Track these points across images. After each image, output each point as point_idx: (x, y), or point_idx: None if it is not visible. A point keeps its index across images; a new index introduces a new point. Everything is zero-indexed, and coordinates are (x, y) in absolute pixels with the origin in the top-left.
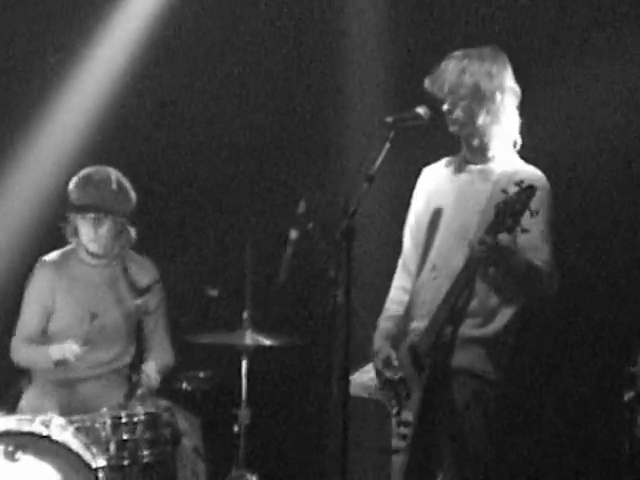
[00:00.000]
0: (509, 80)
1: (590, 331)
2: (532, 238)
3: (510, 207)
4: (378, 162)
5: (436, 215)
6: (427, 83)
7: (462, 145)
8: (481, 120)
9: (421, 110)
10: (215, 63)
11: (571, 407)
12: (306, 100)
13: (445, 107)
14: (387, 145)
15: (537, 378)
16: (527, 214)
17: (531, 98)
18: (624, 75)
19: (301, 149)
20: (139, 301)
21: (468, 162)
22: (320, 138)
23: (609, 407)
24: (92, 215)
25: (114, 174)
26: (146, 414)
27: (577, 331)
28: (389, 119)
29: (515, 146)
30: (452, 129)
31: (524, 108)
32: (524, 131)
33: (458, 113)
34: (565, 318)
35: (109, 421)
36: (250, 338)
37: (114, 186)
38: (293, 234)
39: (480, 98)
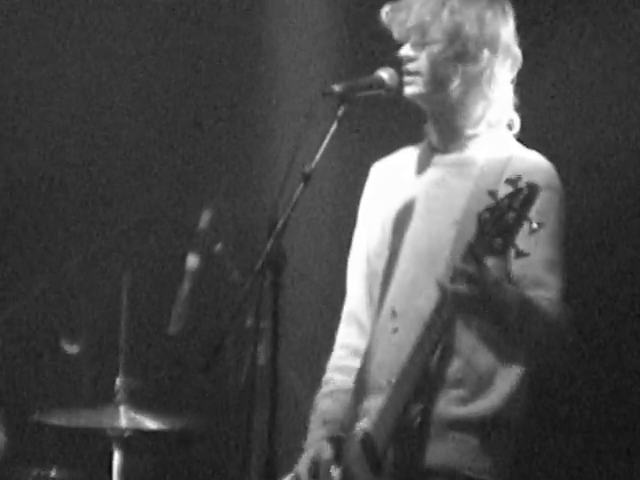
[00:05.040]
0: (507, 35)
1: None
2: (533, 265)
3: (500, 218)
4: (319, 154)
5: (394, 234)
6: (385, 13)
7: (427, 124)
8: (456, 82)
9: (385, 74)
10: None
11: None
12: (207, 65)
13: (403, 52)
14: (333, 127)
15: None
16: (525, 228)
17: (535, 70)
18: None
19: (203, 135)
20: None
21: (436, 150)
22: (231, 118)
23: None
24: None
25: None
26: None
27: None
28: (337, 88)
29: (512, 128)
30: (408, 91)
31: (523, 84)
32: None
33: (421, 63)
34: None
35: None
36: (125, 418)
37: None
38: (191, 261)
39: (459, 49)
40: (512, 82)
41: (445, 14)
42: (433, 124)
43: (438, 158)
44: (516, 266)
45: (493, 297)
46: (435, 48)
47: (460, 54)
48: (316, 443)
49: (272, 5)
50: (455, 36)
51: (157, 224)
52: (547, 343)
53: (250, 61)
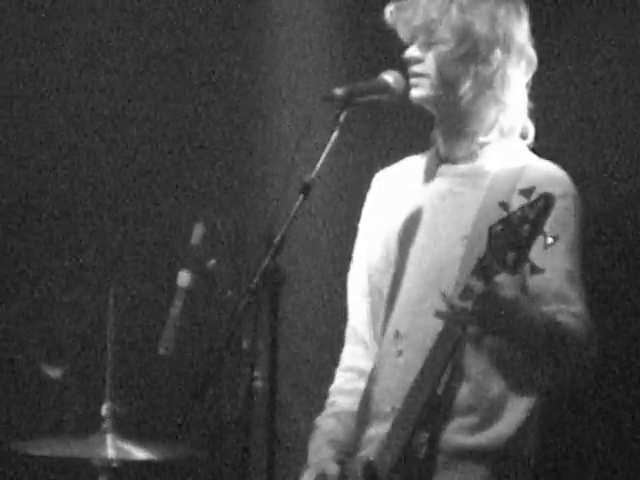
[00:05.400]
0: (521, 35)
1: None
2: (553, 279)
3: (512, 231)
4: (319, 163)
5: (397, 250)
6: (389, 12)
7: (435, 131)
8: (466, 85)
9: (389, 77)
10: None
11: None
12: (205, 72)
13: (408, 53)
14: (334, 135)
15: None
16: (540, 241)
17: (552, 74)
18: None
19: (195, 144)
20: None
21: (444, 159)
22: (225, 125)
23: None
24: None
25: None
26: None
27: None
28: (338, 92)
29: (525, 137)
30: (415, 94)
31: (539, 88)
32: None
33: (428, 65)
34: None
35: None
36: (113, 448)
37: None
38: (183, 278)
39: (469, 49)
40: (527, 86)
41: (454, 12)
42: (441, 130)
43: (446, 168)
44: (533, 281)
45: (509, 316)
46: (443, 48)
47: (470, 54)
48: (321, 462)
49: (270, 8)
50: (464, 35)
51: (146, 238)
52: (578, 362)
53: (247, 66)
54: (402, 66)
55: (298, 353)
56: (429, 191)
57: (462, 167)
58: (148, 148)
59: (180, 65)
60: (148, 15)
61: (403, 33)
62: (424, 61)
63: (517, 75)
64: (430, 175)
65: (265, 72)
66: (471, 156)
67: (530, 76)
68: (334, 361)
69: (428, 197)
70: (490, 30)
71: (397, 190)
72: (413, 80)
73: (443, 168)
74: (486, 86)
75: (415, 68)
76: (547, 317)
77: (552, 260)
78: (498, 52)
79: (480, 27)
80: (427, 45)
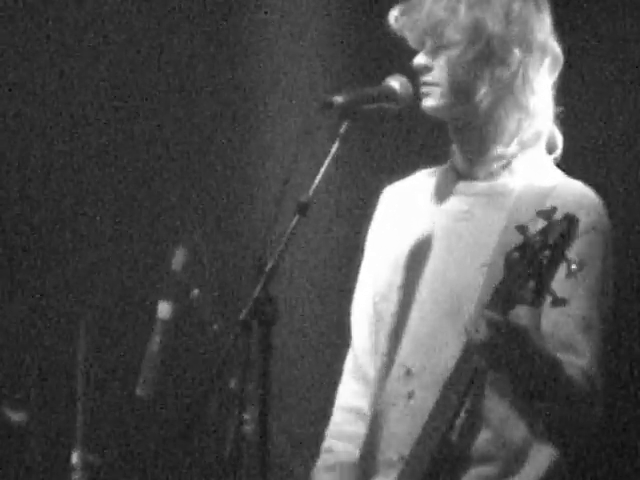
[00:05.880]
0: (542, 31)
1: None
2: (565, 322)
3: (532, 258)
4: (317, 180)
5: (406, 276)
6: (393, 18)
7: (452, 144)
8: (482, 91)
9: (396, 83)
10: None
11: None
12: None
13: (416, 61)
14: (334, 148)
15: None
16: (563, 268)
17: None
18: None
19: (179, 158)
20: None
21: (461, 175)
22: (212, 137)
23: None
24: None
25: None
26: None
27: None
28: (339, 99)
29: (552, 151)
30: (426, 104)
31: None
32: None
33: (439, 72)
34: None
35: None
36: None
37: None
38: (163, 309)
39: (483, 50)
40: (553, 87)
41: (462, 10)
42: (458, 143)
43: (464, 185)
44: (548, 319)
45: (517, 348)
46: (453, 52)
47: (484, 56)
48: None
49: (261, 9)
50: (476, 35)
51: (122, 263)
52: (577, 420)
53: (238, 72)
54: (411, 73)
55: (292, 394)
56: (444, 211)
57: (482, 185)
58: (125, 163)
59: (160, 80)
60: (129, 25)
61: (411, 39)
62: (434, 68)
63: (541, 76)
64: (445, 193)
65: (256, 78)
66: (492, 172)
67: (556, 75)
68: (330, 400)
69: (442, 218)
70: (505, 27)
71: (407, 208)
72: (424, 90)
73: (460, 185)
74: (505, 91)
75: (425, 77)
76: (554, 361)
77: (578, 292)
78: (516, 51)
79: (493, 24)
80: (436, 50)
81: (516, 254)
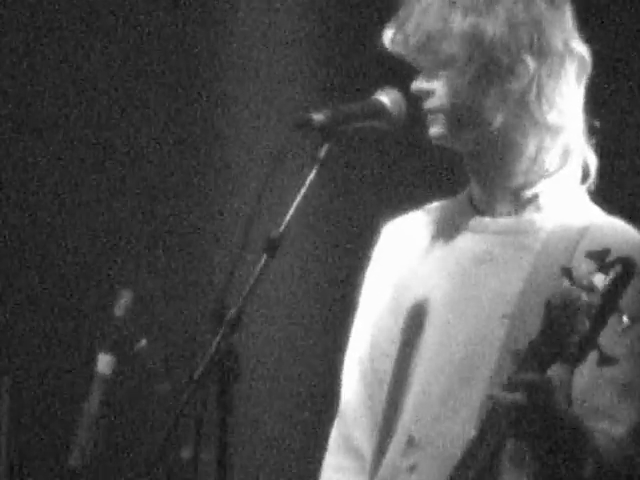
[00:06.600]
0: (560, 30)
1: None
2: (598, 391)
3: (578, 307)
4: (290, 212)
5: (412, 328)
6: (387, 37)
7: (468, 175)
8: (492, 112)
9: (385, 98)
10: None
11: None
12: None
13: (414, 86)
14: (312, 174)
15: None
16: (614, 322)
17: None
18: None
19: (123, 184)
20: None
21: (479, 211)
22: (165, 158)
23: None
24: None
25: None
26: None
27: None
28: (319, 117)
29: (585, 179)
30: (431, 133)
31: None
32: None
33: (440, 96)
34: None
35: None
36: None
37: None
38: (103, 362)
39: (485, 62)
40: (581, 97)
41: (457, 18)
42: (473, 173)
43: (481, 221)
44: (580, 381)
45: (554, 428)
46: (453, 69)
47: (489, 70)
48: None
49: (234, 17)
50: (475, 44)
51: (55, 308)
52: None
53: (202, 87)
54: (406, 86)
55: (257, 466)
56: (457, 251)
57: (503, 221)
58: (65, 190)
59: (110, 94)
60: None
61: (412, 60)
62: (435, 92)
63: (562, 85)
64: (457, 230)
65: (222, 93)
66: (515, 207)
67: (584, 82)
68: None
69: (455, 259)
70: (509, 32)
71: (412, 248)
72: (428, 117)
73: (476, 222)
74: (519, 107)
75: (426, 104)
76: (584, 430)
77: (627, 350)
78: (528, 59)
79: (495, 30)
80: (435, 70)
81: (559, 301)
